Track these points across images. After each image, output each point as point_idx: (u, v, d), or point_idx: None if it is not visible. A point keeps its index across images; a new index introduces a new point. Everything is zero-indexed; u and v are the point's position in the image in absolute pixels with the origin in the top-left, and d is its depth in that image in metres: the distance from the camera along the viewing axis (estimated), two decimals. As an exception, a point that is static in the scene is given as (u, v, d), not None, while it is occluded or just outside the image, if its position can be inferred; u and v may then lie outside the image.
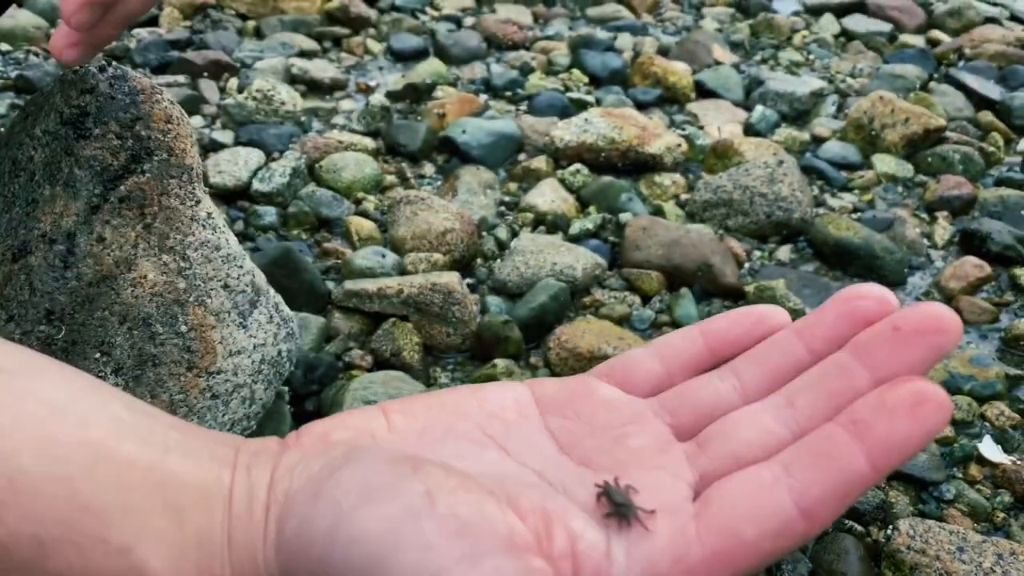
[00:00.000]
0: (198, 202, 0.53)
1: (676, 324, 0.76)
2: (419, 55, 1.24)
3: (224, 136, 1.00)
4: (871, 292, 0.30)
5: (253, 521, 0.27)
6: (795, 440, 0.28)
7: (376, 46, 1.26)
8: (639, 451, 0.30)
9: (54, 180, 0.50)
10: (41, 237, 0.49)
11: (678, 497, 0.28)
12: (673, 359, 0.34)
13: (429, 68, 1.17)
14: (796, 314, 0.76)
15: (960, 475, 0.63)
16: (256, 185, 0.92)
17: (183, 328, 0.52)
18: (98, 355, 0.49)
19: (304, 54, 1.22)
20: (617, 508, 0.27)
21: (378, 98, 1.08)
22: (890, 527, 0.56)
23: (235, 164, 0.93)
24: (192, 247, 0.52)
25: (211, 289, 0.53)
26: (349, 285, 0.76)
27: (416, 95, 1.12)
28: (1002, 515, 0.59)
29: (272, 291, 0.58)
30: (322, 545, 0.26)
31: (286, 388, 0.64)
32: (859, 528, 0.58)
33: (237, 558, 0.27)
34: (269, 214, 0.89)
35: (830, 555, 0.56)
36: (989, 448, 0.64)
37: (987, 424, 0.67)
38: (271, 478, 0.28)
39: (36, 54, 1.20)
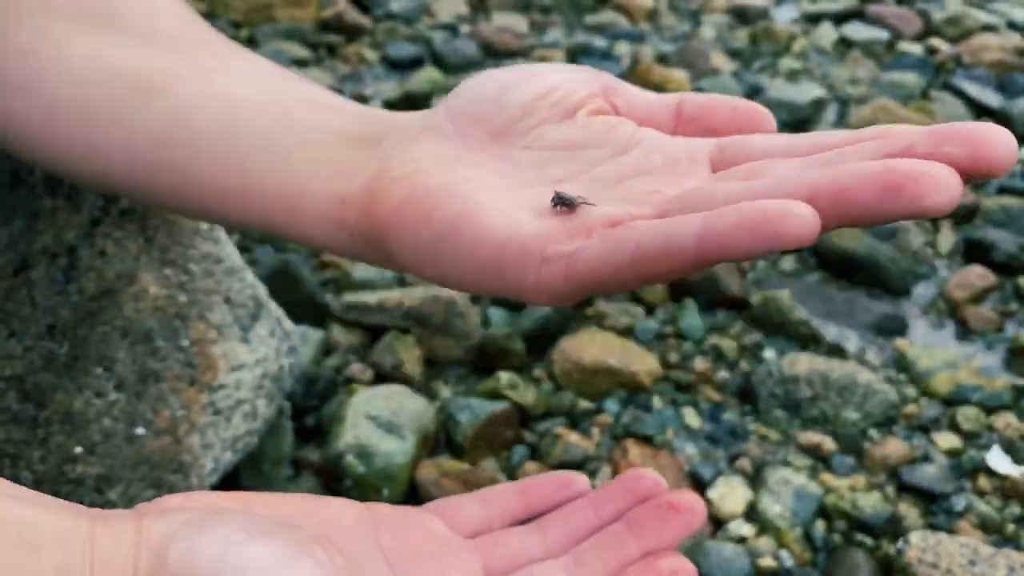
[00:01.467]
0: (200, 215, 0.52)
1: (680, 335, 0.76)
2: (415, 63, 1.24)
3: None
4: (648, 477, 0.39)
5: (119, 555, 0.29)
6: None
7: (371, 54, 1.26)
8: None
9: (55, 193, 0.49)
10: (42, 251, 0.48)
11: None
12: (494, 507, 0.40)
13: (426, 76, 1.16)
14: (802, 325, 0.75)
15: (969, 487, 0.62)
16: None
17: (185, 343, 0.51)
18: (100, 370, 0.48)
19: (298, 63, 1.21)
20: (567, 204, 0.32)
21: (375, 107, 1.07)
22: (901, 540, 0.56)
23: (233, 174, 0.92)
24: (193, 260, 0.52)
25: (213, 303, 0.52)
26: (349, 298, 0.76)
27: (413, 104, 1.12)
28: (1012, 527, 0.59)
29: (274, 305, 0.57)
30: (209, 567, 0.28)
31: (288, 403, 0.64)
32: (869, 542, 0.58)
33: None
34: (268, 225, 0.88)
35: (841, 569, 0.55)
36: (998, 459, 0.63)
37: (995, 435, 0.66)
38: (138, 524, 0.30)
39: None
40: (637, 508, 0.37)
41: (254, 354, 0.54)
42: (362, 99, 1.15)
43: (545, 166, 0.34)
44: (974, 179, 0.27)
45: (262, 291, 0.56)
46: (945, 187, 0.26)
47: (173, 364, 0.50)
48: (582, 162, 0.34)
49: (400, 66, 1.23)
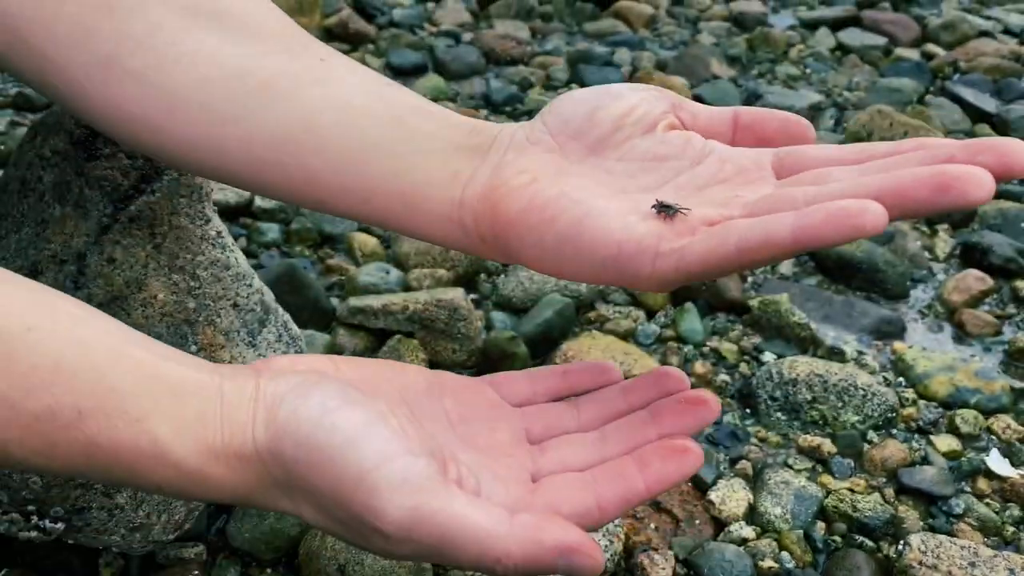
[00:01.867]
0: (207, 221, 0.53)
1: (681, 339, 0.76)
2: (418, 71, 1.25)
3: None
4: (674, 374, 0.42)
5: (243, 405, 0.36)
6: (602, 463, 0.40)
7: (375, 62, 1.26)
8: (500, 441, 0.41)
9: (64, 200, 0.50)
10: (51, 258, 0.49)
11: (524, 478, 0.39)
12: (540, 385, 0.44)
13: (429, 84, 1.17)
14: (801, 328, 0.76)
15: (969, 489, 0.63)
16: (258, 202, 0.92)
17: (193, 348, 0.52)
18: (108, 376, 0.49)
19: (303, 70, 1.22)
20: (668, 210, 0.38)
21: (378, 114, 1.08)
22: (901, 543, 0.56)
23: (236, 181, 0.93)
24: (202, 266, 0.52)
25: (221, 308, 0.53)
26: (354, 302, 0.76)
27: (416, 111, 1.13)
28: (1012, 529, 0.59)
29: (280, 309, 0.58)
30: (310, 426, 0.35)
31: (293, 406, 0.64)
32: (870, 544, 0.58)
33: (228, 429, 0.36)
34: (272, 231, 0.89)
35: (842, 571, 0.56)
36: (997, 462, 0.64)
37: (994, 438, 0.67)
38: (256, 382, 0.37)
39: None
40: (661, 400, 0.41)
41: (262, 359, 0.55)
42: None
43: (636, 175, 0.41)
44: (1001, 182, 0.33)
45: (269, 296, 0.57)
46: (985, 184, 0.32)
47: (181, 369, 0.51)
48: (666, 171, 0.40)
49: (403, 73, 1.24)
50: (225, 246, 0.54)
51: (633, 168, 0.41)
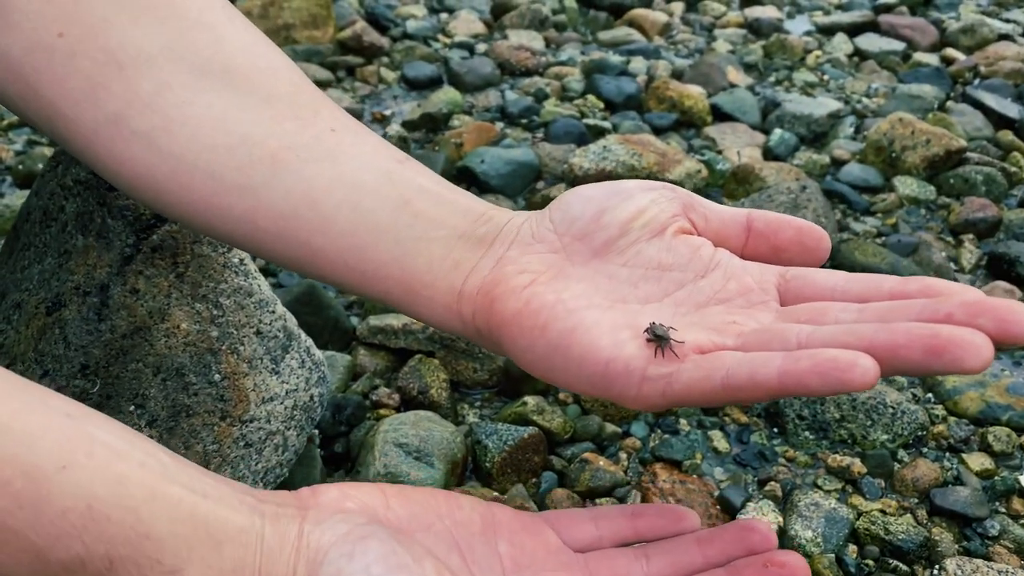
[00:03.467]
0: (230, 249, 0.52)
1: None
2: (433, 83, 1.24)
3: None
4: (760, 529, 0.39)
5: (283, 559, 0.34)
6: None
7: (390, 75, 1.26)
8: None
9: (87, 231, 0.49)
10: (75, 289, 0.49)
11: None
12: (605, 527, 0.42)
13: (444, 96, 1.17)
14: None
15: (1004, 510, 0.62)
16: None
17: (216, 377, 0.51)
18: (132, 408, 0.49)
19: (319, 84, 1.22)
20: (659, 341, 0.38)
21: (395, 128, 1.08)
22: (936, 567, 0.55)
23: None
24: (224, 294, 0.52)
25: (244, 336, 0.52)
26: (373, 321, 0.76)
27: (433, 124, 1.12)
28: (1049, 551, 0.58)
29: (303, 335, 0.58)
30: None
31: (316, 431, 0.64)
32: (904, 568, 0.57)
33: None
34: (290, 249, 0.88)
35: (876, 596, 0.55)
36: (1031, 480, 0.63)
37: (1027, 455, 0.66)
38: (300, 528, 0.35)
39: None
40: (742, 559, 0.38)
41: (285, 385, 0.54)
42: (383, 119, 1.16)
43: (639, 284, 0.40)
44: (1001, 346, 0.33)
45: (292, 322, 0.56)
46: (982, 353, 0.31)
47: (205, 399, 0.51)
48: (669, 283, 0.40)
49: (418, 86, 1.23)
50: (248, 273, 0.53)
51: (636, 276, 0.40)
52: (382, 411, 0.69)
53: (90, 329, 0.48)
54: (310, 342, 0.58)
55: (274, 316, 0.55)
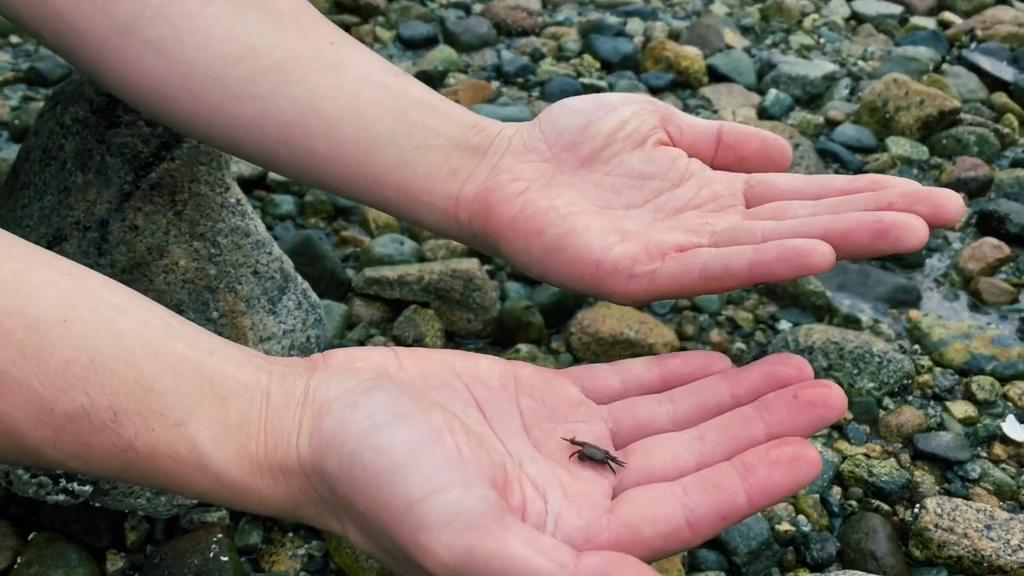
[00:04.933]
0: (227, 188, 0.53)
1: (696, 308, 0.77)
2: (429, 42, 1.24)
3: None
4: (792, 362, 0.38)
5: (289, 413, 0.34)
6: (697, 469, 0.35)
7: (386, 34, 1.26)
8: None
9: (86, 168, 0.50)
10: (75, 224, 0.49)
11: (600, 494, 0.35)
12: (631, 379, 0.41)
13: (440, 55, 1.17)
14: (816, 296, 0.76)
15: (985, 454, 0.63)
16: (272, 175, 0.92)
17: (214, 315, 0.52)
18: (132, 342, 0.49)
19: (315, 42, 1.22)
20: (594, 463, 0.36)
21: (391, 86, 1.08)
22: (917, 506, 0.57)
23: (251, 153, 0.94)
24: (222, 233, 0.53)
25: (241, 276, 0.53)
26: (369, 272, 0.77)
27: (429, 82, 1.12)
28: (1027, 493, 0.60)
29: (300, 278, 0.59)
30: (354, 443, 0.32)
31: (312, 374, 0.65)
32: (886, 507, 0.59)
33: (271, 440, 0.34)
34: (286, 203, 0.89)
35: (858, 534, 0.56)
36: (1013, 427, 0.64)
37: (1010, 404, 0.67)
38: (307, 384, 0.35)
39: (47, 45, 1.20)
40: (771, 393, 0.36)
41: (282, 326, 0.55)
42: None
43: (622, 191, 0.43)
44: (935, 228, 0.37)
45: (288, 264, 0.57)
46: (918, 233, 0.36)
47: (203, 335, 0.52)
48: (649, 191, 0.43)
49: (414, 45, 1.23)
50: (245, 213, 0.54)
51: (620, 183, 0.43)
52: (377, 358, 0.70)
53: (91, 263, 0.49)
54: (306, 285, 0.59)
55: (271, 257, 0.55)
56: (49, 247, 0.49)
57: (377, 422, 0.32)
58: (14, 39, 1.21)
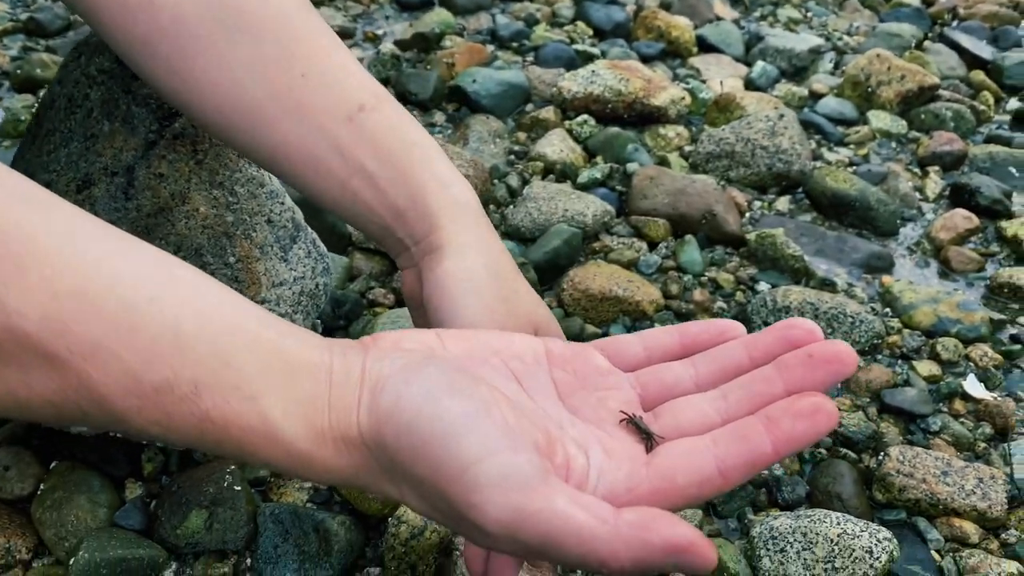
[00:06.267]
0: (244, 141, 0.56)
1: (681, 269, 0.80)
2: (425, 5, 1.26)
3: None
4: (803, 325, 0.39)
5: (349, 389, 0.36)
6: (723, 424, 0.37)
7: (383, -5, 1.28)
8: (613, 411, 0.40)
9: (112, 117, 0.53)
10: (103, 170, 0.52)
11: (637, 450, 0.38)
12: (653, 347, 0.43)
13: (436, 17, 1.19)
14: (794, 260, 0.80)
15: (946, 409, 0.67)
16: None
17: (231, 259, 0.55)
18: (155, 282, 0.53)
19: (313, 2, 1.24)
20: (642, 432, 0.39)
21: (388, 47, 1.11)
22: (881, 454, 0.61)
23: (252, 109, 0.96)
24: (239, 183, 0.56)
25: (256, 223, 0.56)
26: (369, 227, 0.79)
27: (425, 44, 1.15)
28: (983, 445, 0.64)
29: (309, 228, 0.62)
30: (411, 414, 0.34)
31: (319, 321, 0.68)
32: (852, 455, 0.63)
33: (335, 414, 0.36)
34: (287, 158, 0.91)
35: (826, 478, 0.61)
36: (973, 385, 0.69)
37: (971, 364, 0.71)
38: (363, 362, 0.37)
39: (48, -4, 1.21)
40: (787, 354, 0.38)
41: (293, 272, 0.58)
42: (375, 38, 1.18)
43: None
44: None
45: (299, 214, 0.60)
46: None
47: (221, 279, 0.55)
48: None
49: (410, 7, 1.25)
50: (260, 165, 0.57)
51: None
52: (378, 309, 0.74)
53: (118, 207, 0.52)
54: (315, 235, 0.62)
55: (283, 207, 0.58)
56: (79, 190, 0.52)
57: (432, 395, 0.35)
58: (14, -11, 1.21)
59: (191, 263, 0.53)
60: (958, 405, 0.67)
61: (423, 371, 0.36)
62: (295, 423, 0.35)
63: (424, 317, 0.47)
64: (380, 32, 1.20)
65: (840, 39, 1.26)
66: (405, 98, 1.03)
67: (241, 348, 0.35)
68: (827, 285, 0.79)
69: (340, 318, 0.71)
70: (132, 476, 0.57)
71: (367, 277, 0.77)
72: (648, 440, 0.38)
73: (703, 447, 0.36)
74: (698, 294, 0.77)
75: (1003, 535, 0.58)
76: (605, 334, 0.73)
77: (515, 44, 1.18)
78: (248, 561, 0.54)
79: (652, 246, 0.83)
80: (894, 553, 0.53)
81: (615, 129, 0.97)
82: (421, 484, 0.35)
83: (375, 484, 0.37)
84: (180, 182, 0.53)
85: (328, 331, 0.70)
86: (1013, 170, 0.94)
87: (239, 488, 0.55)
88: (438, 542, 0.52)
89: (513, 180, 0.90)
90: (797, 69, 1.16)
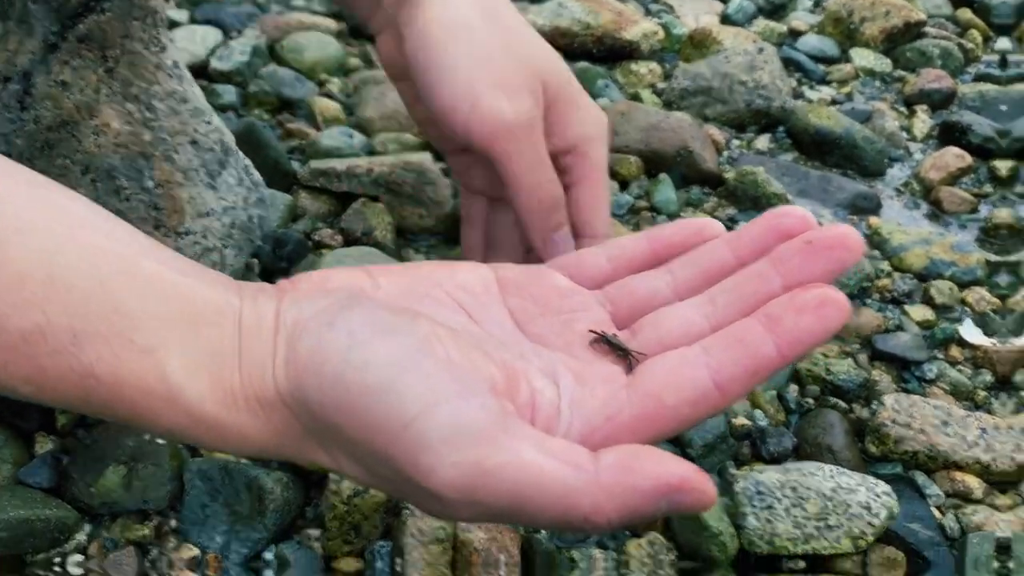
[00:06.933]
0: (163, 49, 0.49)
1: (655, 209, 0.75)
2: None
3: (179, 14, 0.95)
4: (794, 212, 0.35)
5: (262, 339, 0.31)
6: (713, 332, 0.32)
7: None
8: (581, 334, 0.34)
9: (5, 15, 0.46)
10: (-7, 75, 0.45)
11: (615, 371, 0.32)
12: (619, 257, 0.38)
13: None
14: (776, 199, 0.75)
15: (942, 356, 0.62)
16: (214, 63, 0.88)
17: (149, 184, 0.49)
18: (58, 208, 0.46)
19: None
20: (617, 351, 0.33)
21: (342, -22, 1.03)
22: (874, 403, 0.56)
23: (192, 41, 0.89)
24: (157, 97, 0.49)
25: (178, 144, 0.50)
26: (316, 164, 0.73)
27: (382, -23, 1.07)
28: (983, 394, 0.60)
29: (241, 153, 0.55)
30: (336, 363, 0.29)
31: (255, 260, 0.61)
32: (843, 404, 0.58)
33: (247, 369, 0.30)
34: (229, 93, 0.85)
35: (815, 429, 0.55)
36: (970, 331, 0.64)
37: (967, 309, 0.66)
38: (277, 308, 0.32)
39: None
40: (780, 246, 0.33)
41: (222, 201, 0.52)
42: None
43: None
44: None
45: (229, 137, 0.54)
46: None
47: (137, 205, 0.48)
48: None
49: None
50: (182, 78, 0.50)
51: None
52: (324, 251, 0.67)
53: (12, 117, 0.45)
54: (248, 161, 0.56)
55: (210, 127, 0.52)
56: (-36, 99, 0.45)
57: (359, 338, 0.29)
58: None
59: (102, 186, 0.46)
60: (955, 352, 0.63)
61: (349, 310, 0.30)
62: (199, 380, 0.30)
63: (411, 89, 0.40)
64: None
65: (820, -22, 1.20)
66: (358, 32, 0.96)
67: (133, 290, 0.29)
68: (812, 226, 0.74)
69: (282, 259, 0.65)
70: (43, 429, 0.51)
71: (313, 217, 0.71)
72: (626, 358, 0.32)
73: (693, 358, 0.30)
74: (674, 235, 0.72)
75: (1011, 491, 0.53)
76: (574, 277, 0.67)
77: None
78: (172, 523, 0.48)
79: (624, 185, 0.77)
80: (894, 509, 0.48)
81: (584, 64, 0.91)
82: (356, 447, 0.29)
83: (302, 452, 0.31)
84: (87, 92, 0.46)
85: (268, 273, 0.63)
86: (1004, 107, 0.90)
87: (163, 442, 0.48)
88: (385, 499, 0.46)
89: (475, 116, 0.84)
90: (775, 7, 1.10)
